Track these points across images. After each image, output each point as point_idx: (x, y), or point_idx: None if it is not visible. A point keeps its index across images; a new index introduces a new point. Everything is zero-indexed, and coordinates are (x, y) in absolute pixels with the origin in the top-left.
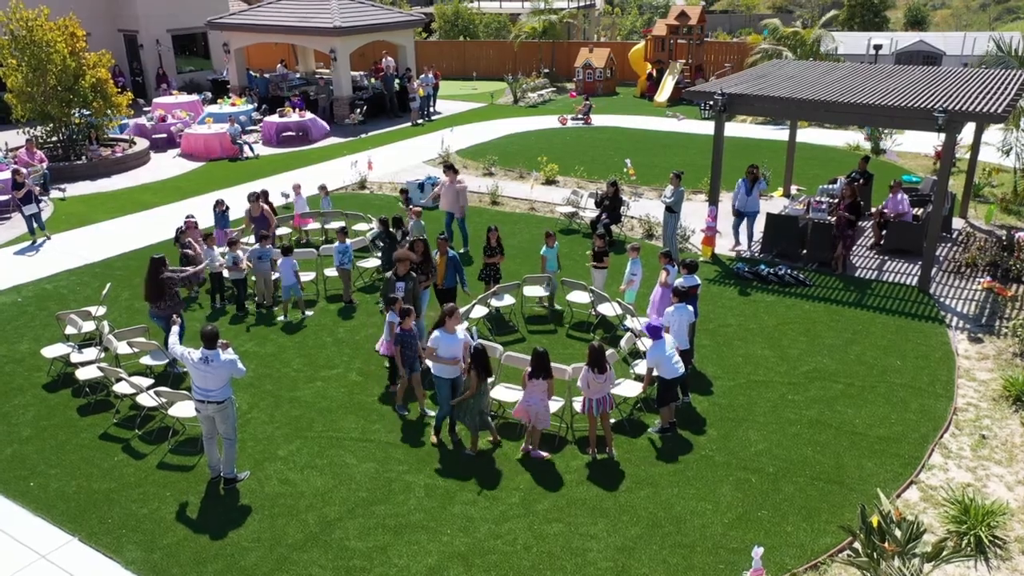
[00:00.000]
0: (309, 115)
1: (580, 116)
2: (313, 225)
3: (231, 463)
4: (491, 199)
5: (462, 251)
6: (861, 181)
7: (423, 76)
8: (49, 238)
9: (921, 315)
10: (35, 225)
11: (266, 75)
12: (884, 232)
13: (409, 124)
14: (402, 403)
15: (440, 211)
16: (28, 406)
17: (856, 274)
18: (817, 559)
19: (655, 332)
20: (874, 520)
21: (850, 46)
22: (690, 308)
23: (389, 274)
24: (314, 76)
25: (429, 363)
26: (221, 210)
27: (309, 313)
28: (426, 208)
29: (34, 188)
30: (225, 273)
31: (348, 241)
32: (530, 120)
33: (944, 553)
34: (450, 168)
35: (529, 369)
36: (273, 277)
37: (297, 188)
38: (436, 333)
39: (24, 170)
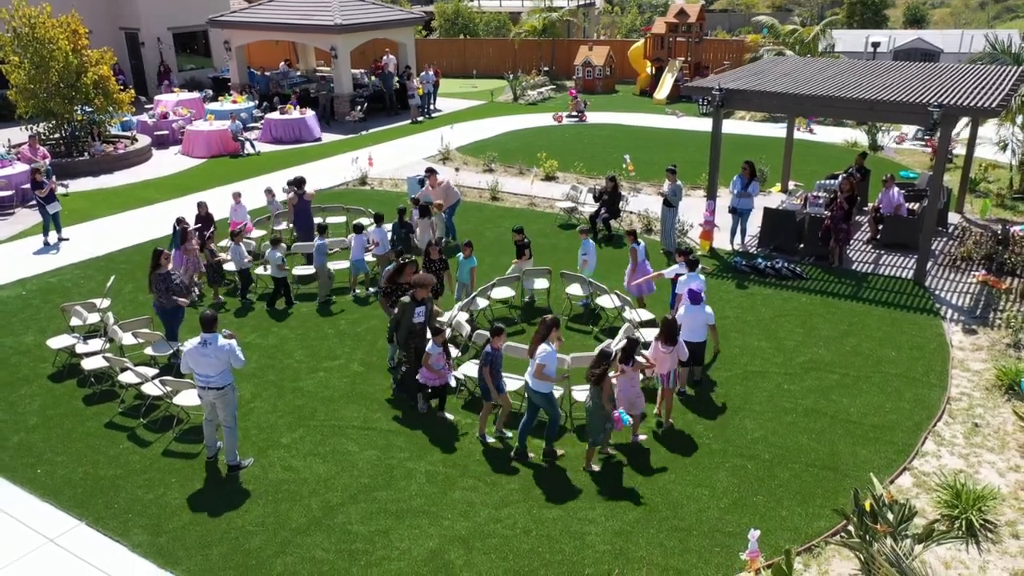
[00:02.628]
0: (310, 112)
1: (575, 113)
2: (256, 232)
3: (233, 451)
4: (491, 195)
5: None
6: (859, 177)
7: (423, 74)
8: (66, 239)
9: (916, 307)
10: (53, 223)
11: (267, 73)
12: (880, 227)
13: (409, 121)
14: (500, 428)
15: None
16: (34, 396)
17: (852, 267)
18: (811, 542)
19: (696, 297)
20: (867, 503)
21: (848, 44)
22: (702, 276)
23: (406, 299)
24: (314, 74)
25: (529, 380)
26: (183, 227)
27: (373, 290)
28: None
29: (55, 185)
30: (265, 271)
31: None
32: (530, 117)
33: (935, 534)
34: (430, 171)
35: (618, 358)
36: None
37: (237, 196)
38: (547, 348)
39: (32, 166)
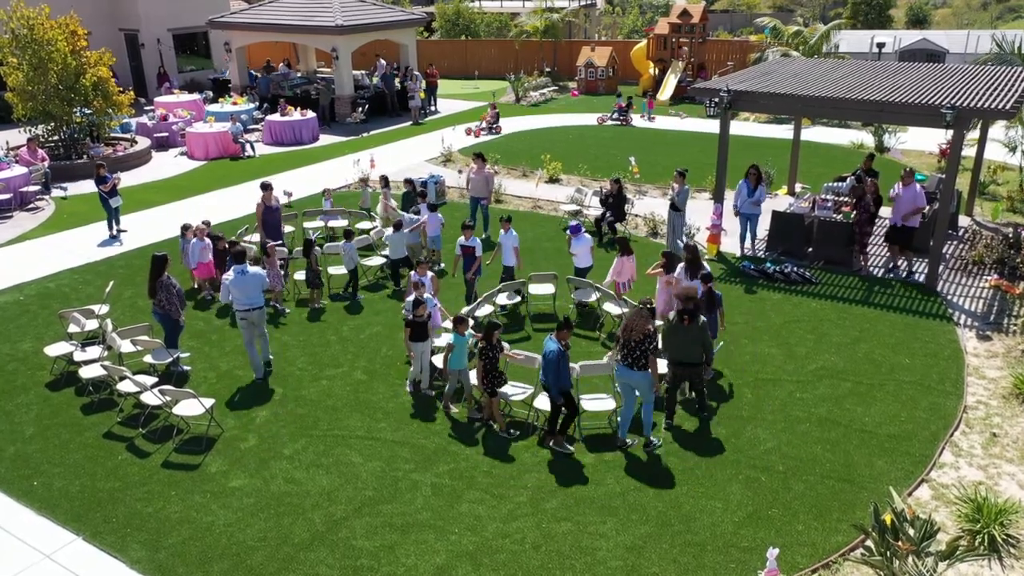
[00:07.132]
0: (311, 114)
1: (487, 124)
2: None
3: (268, 349)
4: (494, 197)
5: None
6: (867, 180)
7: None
8: (124, 231)
9: (929, 313)
10: (114, 217)
11: (267, 74)
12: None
13: (410, 123)
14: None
15: (455, 201)
16: (31, 405)
17: (863, 272)
18: (829, 558)
19: (576, 230)
20: (887, 518)
21: (853, 44)
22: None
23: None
24: (315, 75)
25: None
26: (221, 247)
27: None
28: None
29: (118, 180)
30: (372, 261)
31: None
32: (532, 119)
33: (959, 552)
34: (479, 156)
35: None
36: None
37: (188, 229)
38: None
39: (96, 161)
